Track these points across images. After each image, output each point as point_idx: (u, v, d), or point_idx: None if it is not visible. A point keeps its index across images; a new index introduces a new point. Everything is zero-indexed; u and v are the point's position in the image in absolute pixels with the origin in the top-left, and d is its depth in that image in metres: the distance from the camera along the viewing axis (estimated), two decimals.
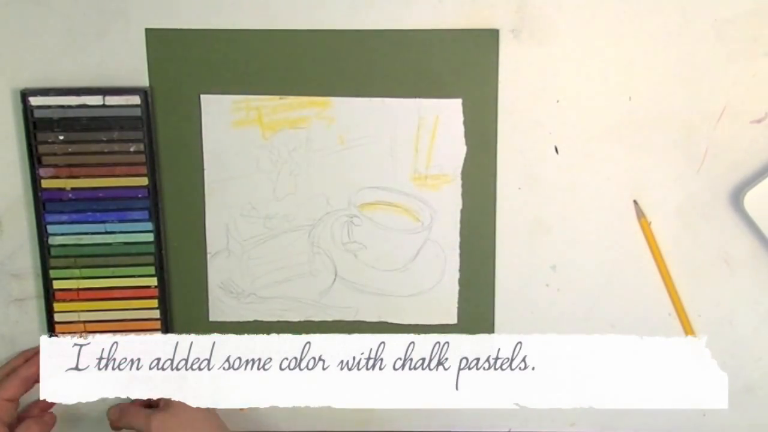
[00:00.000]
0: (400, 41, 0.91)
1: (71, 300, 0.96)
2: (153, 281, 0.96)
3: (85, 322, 0.96)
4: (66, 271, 0.95)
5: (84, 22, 0.91)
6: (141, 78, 0.92)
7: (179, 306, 0.97)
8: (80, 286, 0.96)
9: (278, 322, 0.98)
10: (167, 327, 0.97)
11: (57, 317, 0.96)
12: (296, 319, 0.98)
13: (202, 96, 0.92)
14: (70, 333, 0.96)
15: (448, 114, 0.92)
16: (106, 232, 0.95)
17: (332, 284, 0.97)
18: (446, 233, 0.95)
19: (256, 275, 0.97)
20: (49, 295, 0.96)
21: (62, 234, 0.94)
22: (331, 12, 0.91)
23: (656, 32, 0.90)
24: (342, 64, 0.92)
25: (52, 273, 0.95)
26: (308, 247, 0.96)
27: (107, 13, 0.91)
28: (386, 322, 0.97)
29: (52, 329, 0.96)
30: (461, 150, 0.93)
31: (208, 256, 0.96)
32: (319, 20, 0.91)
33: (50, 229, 0.94)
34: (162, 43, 0.92)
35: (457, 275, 0.95)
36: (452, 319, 0.97)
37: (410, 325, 0.97)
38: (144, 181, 0.93)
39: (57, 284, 0.96)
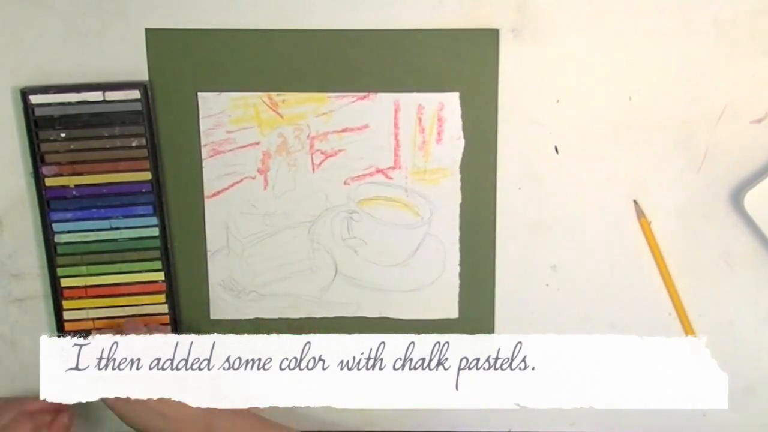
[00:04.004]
0: (399, 41, 0.91)
1: (79, 297, 0.96)
2: (160, 276, 0.96)
3: (93, 319, 0.97)
4: (73, 269, 0.95)
5: (84, 22, 0.92)
6: (141, 78, 0.92)
7: (181, 304, 0.98)
8: (88, 284, 0.96)
9: (279, 319, 0.98)
10: (176, 321, 0.97)
11: (66, 315, 0.96)
12: (297, 316, 0.98)
13: (199, 94, 0.93)
14: (79, 331, 0.96)
15: (446, 108, 0.92)
16: (112, 228, 0.95)
17: (333, 280, 0.97)
18: (446, 228, 0.95)
19: (257, 273, 0.97)
20: (57, 294, 0.96)
21: (68, 232, 0.94)
22: (330, 12, 0.91)
23: (656, 32, 0.91)
24: (340, 63, 0.92)
25: (59, 271, 0.95)
26: (308, 243, 0.96)
27: (107, 13, 0.92)
28: (387, 318, 0.97)
29: (60, 328, 0.97)
30: (460, 144, 0.93)
31: (208, 254, 0.96)
32: (316, 20, 0.91)
33: (56, 227, 0.94)
34: (162, 43, 0.92)
35: (457, 269, 0.96)
36: (453, 314, 0.97)
37: (411, 320, 0.97)
38: (147, 175, 0.93)
39: (64, 282, 0.96)
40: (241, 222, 0.96)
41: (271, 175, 0.94)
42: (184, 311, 0.98)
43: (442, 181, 0.94)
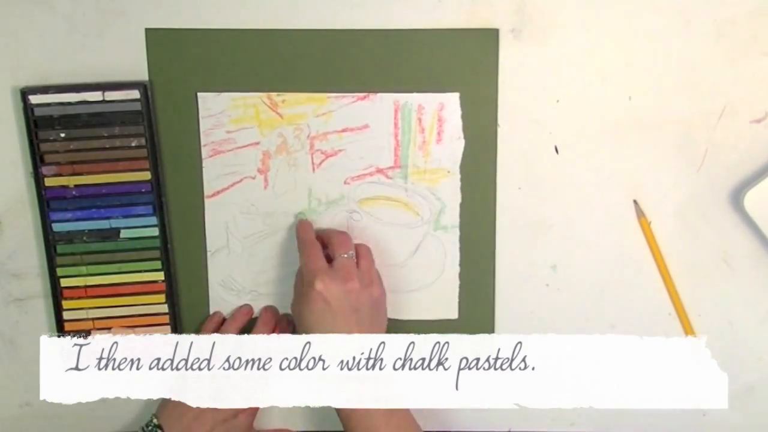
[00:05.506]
0: (399, 41, 0.91)
1: (79, 297, 0.96)
2: (160, 276, 0.96)
3: (93, 319, 0.97)
4: (73, 269, 0.95)
5: (84, 22, 0.92)
6: (140, 78, 0.92)
7: (181, 304, 0.98)
8: (87, 284, 0.96)
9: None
10: (176, 322, 0.97)
11: (65, 315, 0.96)
12: None
13: (199, 94, 0.93)
14: (79, 331, 0.96)
15: (446, 108, 0.92)
16: (111, 228, 0.95)
17: None
18: (446, 227, 0.95)
19: (257, 272, 0.97)
20: (57, 294, 0.96)
21: (67, 232, 0.94)
22: (330, 12, 0.91)
23: (656, 32, 0.91)
24: (340, 63, 0.92)
25: (59, 271, 0.95)
26: None
27: (107, 13, 0.92)
28: (387, 318, 0.97)
29: (60, 327, 0.96)
30: (460, 144, 0.93)
31: (208, 254, 0.96)
32: (317, 20, 0.91)
33: (55, 227, 0.94)
34: (161, 43, 0.92)
35: (457, 269, 0.96)
36: (453, 314, 0.97)
37: (411, 320, 0.97)
38: (147, 175, 0.93)
39: (64, 282, 0.96)
40: (241, 222, 0.96)
41: (271, 175, 0.94)
42: (184, 311, 0.98)
43: (442, 181, 0.94)
